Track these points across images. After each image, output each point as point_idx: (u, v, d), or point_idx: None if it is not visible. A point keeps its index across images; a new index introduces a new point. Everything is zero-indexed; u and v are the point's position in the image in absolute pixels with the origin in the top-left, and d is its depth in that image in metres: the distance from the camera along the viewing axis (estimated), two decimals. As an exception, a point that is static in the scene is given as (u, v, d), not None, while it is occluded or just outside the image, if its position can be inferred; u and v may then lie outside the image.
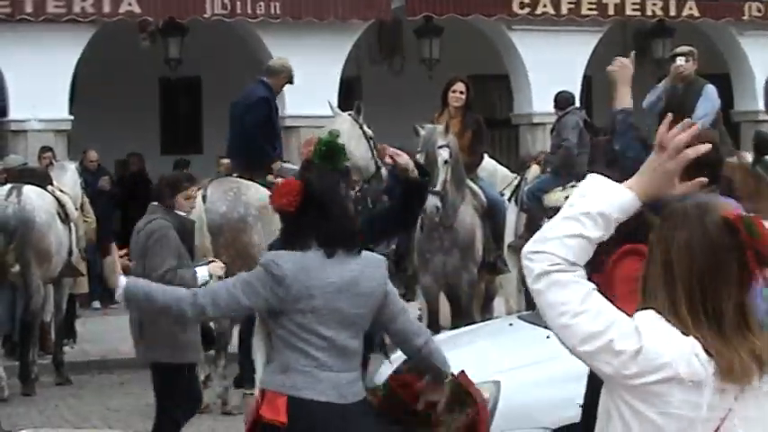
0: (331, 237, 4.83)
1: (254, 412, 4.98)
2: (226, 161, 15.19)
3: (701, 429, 2.79)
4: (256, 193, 10.39)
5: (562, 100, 13.12)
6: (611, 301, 2.87)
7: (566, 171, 11.97)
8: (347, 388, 4.87)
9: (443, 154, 10.74)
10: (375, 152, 11.21)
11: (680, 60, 11.22)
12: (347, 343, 4.86)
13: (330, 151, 5.19)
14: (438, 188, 10.54)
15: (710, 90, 11.13)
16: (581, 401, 5.58)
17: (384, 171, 11.33)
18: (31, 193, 11.47)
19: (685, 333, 2.79)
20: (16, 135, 16.48)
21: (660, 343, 2.79)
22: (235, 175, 11.08)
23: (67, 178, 12.85)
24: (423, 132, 10.84)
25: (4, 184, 11.92)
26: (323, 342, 4.80)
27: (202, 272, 7.53)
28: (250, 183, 10.65)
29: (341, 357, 4.86)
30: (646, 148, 5.44)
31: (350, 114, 11.90)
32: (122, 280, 4.88)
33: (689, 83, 11.15)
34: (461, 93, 11.40)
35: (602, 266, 5.17)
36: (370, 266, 4.91)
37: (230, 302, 4.82)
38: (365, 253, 4.95)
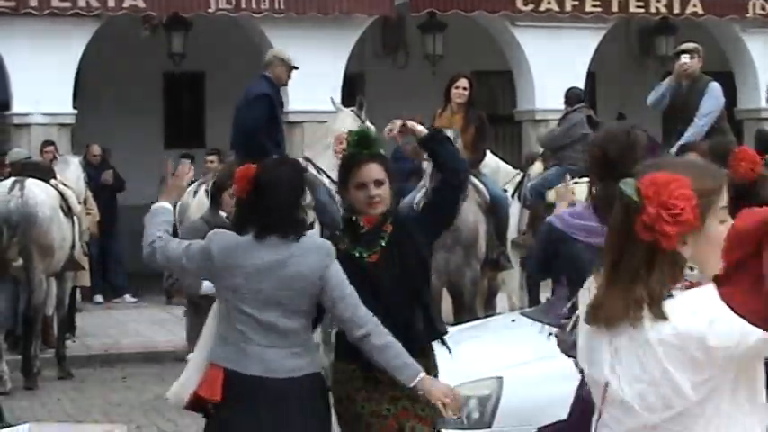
0: (266, 223, 5.11)
1: (198, 387, 5.21)
2: (211, 157, 15.36)
3: (606, 372, 2.91)
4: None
5: (573, 96, 13.11)
6: None
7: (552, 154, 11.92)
8: (277, 363, 5.09)
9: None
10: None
11: (684, 58, 11.19)
12: (276, 321, 5.10)
13: (362, 139, 5.48)
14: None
15: (715, 87, 11.10)
16: None
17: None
18: (34, 188, 11.45)
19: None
20: (19, 129, 16.46)
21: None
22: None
23: (71, 172, 12.87)
24: None
25: (8, 177, 11.92)
26: (247, 318, 5.10)
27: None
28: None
29: (268, 334, 5.11)
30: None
31: (352, 110, 11.90)
32: (167, 204, 5.40)
33: (693, 80, 11.13)
34: (464, 89, 11.37)
35: None
36: (303, 251, 5.11)
37: (175, 258, 5.25)
38: (305, 239, 5.18)
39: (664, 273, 2.86)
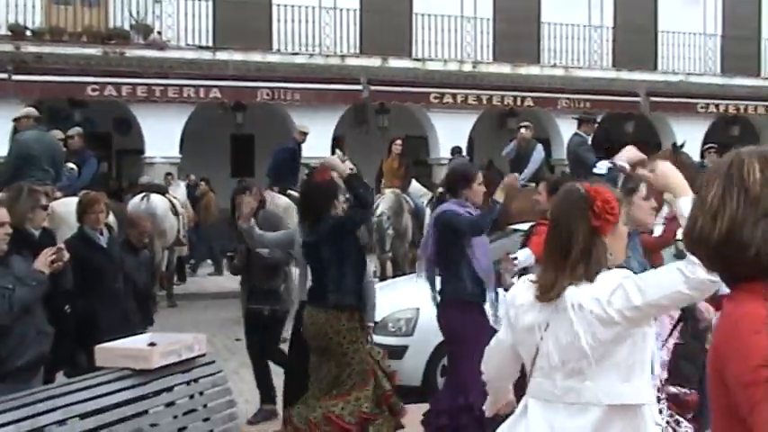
0: None
1: None
2: (202, 182, 15.37)
3: (538, 336, 2.34)
4: (282, 201, 10.36)
5: (455, 150, 13.19)
6: None
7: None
8: None
9: (390, 233, 10.80)
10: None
11: (523, 130, 11.27)
12: None
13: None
14: (388, 248, 10.79)
15: (539, 147, 11.20)
16: None
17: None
18: (155, 198, 11.35)
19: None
20: (148, 165, 16.31)
21: None
22: (274, 189, 11.02)
23: (180, 190, 12.96)
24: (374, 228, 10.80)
25: (140, 193, 11.80)
26: None
27: None
28: (280, 194, 10.59)
29: None
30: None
31: (337, 155, 11.85)
32: None
33: (528, 142, 11.17)
34: (400, 145, 11.44)
35: None
36: None
37: None
38: None
39: (599, 255, 2.32)
